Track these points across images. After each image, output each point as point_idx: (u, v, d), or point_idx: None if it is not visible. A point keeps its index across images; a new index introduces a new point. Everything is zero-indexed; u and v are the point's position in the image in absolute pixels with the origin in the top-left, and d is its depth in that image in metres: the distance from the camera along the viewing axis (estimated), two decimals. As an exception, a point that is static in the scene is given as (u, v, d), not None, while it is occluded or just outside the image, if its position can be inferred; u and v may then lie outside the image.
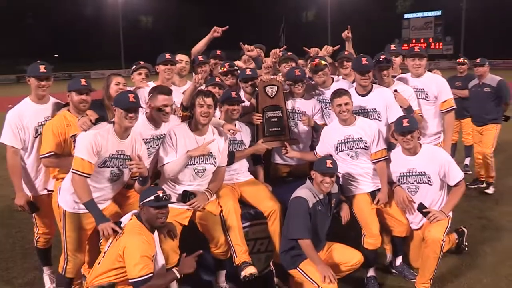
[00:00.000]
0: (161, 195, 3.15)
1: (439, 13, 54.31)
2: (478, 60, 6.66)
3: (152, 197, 3.14)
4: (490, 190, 6.66)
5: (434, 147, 4.25)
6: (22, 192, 3.85)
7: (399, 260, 4.28)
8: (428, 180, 3.92)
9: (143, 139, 3.62)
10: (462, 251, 4.63)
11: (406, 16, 57.86)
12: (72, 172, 3.27)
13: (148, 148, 3.69)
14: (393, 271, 4.31)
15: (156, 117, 3.69)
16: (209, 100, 3.61)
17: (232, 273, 3.89)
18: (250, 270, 3.57)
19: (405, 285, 4.08)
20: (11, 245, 5.22)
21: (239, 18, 64.30)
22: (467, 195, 6.37)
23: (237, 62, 5.20)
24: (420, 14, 55.78)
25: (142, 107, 3.58)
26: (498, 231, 5.27)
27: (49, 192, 3.89)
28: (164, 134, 3.77)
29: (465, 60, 7.48)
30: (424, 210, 3.86)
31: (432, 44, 54.23)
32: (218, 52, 5.44)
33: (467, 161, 7.73)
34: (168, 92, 3.69)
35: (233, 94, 4.05)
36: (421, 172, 3.91)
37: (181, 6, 72.78)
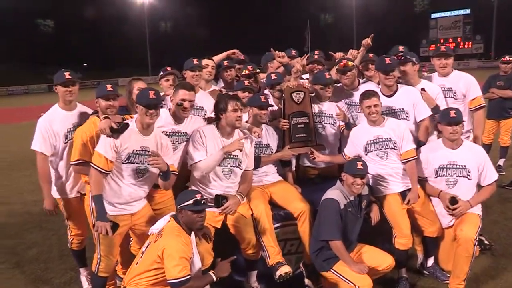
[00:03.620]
0: (199, 199, 3.21)
1: (468, 11, 53.13)
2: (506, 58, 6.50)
3: (191, 201, 3.19)
4: None
5: (474, 144, 4.18)
6: (51, 198, 4.03)
7: (430, 261, 4.24)
8: (467, 174, 3.87)
9: (163, 132, 3.71)
10: (491, 247, 4.62)
11: (433, 16, 56.80)
12: (90, 165, 3.38)
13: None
14: (425, 272, 4.26)
15: (177, 111, 3.80)
16: (241, 105, 3.71)
17: (263, 274, 3.95)
18: (285, 269, 3.61)
19: (437, 287, 4.04)
20: (48, 247, 5.41)
21: (263, 25, 64.80)
22: (505, 198, 6.26)
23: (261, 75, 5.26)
24: (448, 13, 54.69)
25: (163, 104, 3.65)
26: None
27: (81, 195, 4.00)
28: (186, 132, 3.87)
29: (510, 59, 7.24)
30: (454, 206, 3.81)
31: (461, 43, 53.05)
32: (242, 56, 5.57)
33: (501, 162, 7.56)
34: (190, 88, 3.80)
35: (262, 98, 4.10)
36: (462, 166, 3.86)
37: (206, 11, 73.71)
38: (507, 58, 7.29)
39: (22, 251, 5.32)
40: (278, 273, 3.60)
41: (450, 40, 51.96)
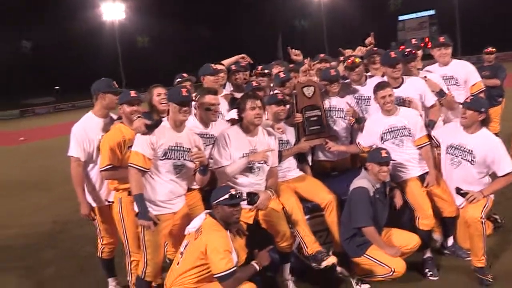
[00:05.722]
0: (234, 193, 3.32)
1: (432, 12, 54.94)
2: None
3: (226, 196, 3.30)
4: None
5: (493, 135, 4.26)
6: (85, 202, 4.04)
7: (450, 241, 4.43)
8: (471, 159, 4.02)
9: None
10: (503, 225, 4.85)
11: (400, 18, 58.52)
12: (128, 165, 3.44)
13: None
14: (446, 252, 4.45)
15: (204, 116, 3.92)
16: (259, 102, 3.82)
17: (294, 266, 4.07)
18: (332, 259, 3.73)
19: (460, 264, 4.22)
20: (67, 264, 5.35)
21: (238, 36, 65.29)
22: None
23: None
24: (414, 15, 56.47)
25: (195, 101, 3.78)
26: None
27: (110, 203, 4.02)
28: (213, 134, 3.98)
29: (493, 50, 7.60)
30: (462, 192, 4.00)
31: (429, 43, 54.63)
32: (251, 61, 5.74)
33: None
34: (215, 92, 3.94)
35: (280, 96, 4.25)
36: (469, 150, 4.03)
37: (181, 26, 73.82)
38: (489, 49, 7.67)
39: (41, 270, 5.26)
40: (324, 263, 3.71)
41: (416, 41, 53.48)
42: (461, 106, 4.27)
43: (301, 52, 5.68)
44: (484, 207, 3.94)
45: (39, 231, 6.73)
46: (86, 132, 3.96)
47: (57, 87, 68.31)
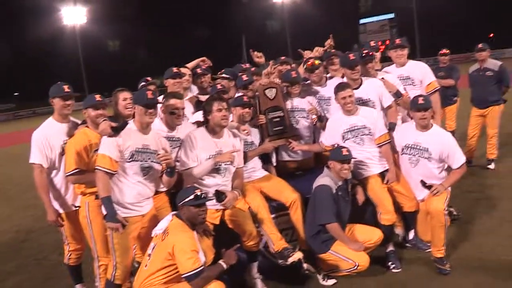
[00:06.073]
0: (199, 194, 3.37)
1: (392, 15, 56.66)
2: (480, 45, 7.00)
3: (191, 197, 3.35)
4: (492, 166, 7.11)
5: (444, 130, 4.52)
6: (52, 208, 3.98)
7: (411, 234, 4.62)
8: (428, 157, 4.23)
9: None
10: (459, 218, 5.11)
11: (361, 21, 60.01)
12: (95, 168, 3.44)
13: None
14: (407, 245, 4.64)
15: (169, 120, 3.97)
16: (225, 104, 3.89)
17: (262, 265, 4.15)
18: (298, 255, 3.82)
19: (421, 255, 4.41)
20: (29, 274, 5.21)
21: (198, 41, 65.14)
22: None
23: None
24: (375, 18, 58.05)
25: (160, 103, 3.82)
26: (488, 199, 5.77)
27: (77, 208, 3.99)
28: (179, 137, 4.02)
29: (447, 51, 7.98)
30: (427, 185, 4.21)
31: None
32: (211, 64, 5.80)
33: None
34: (180, 96, 4.00)
35: (245, 98, 4.34)
36: (425, 148, 4.23)
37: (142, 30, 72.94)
38: (444, 51, 8.06)
39: (3, 281, 5.09)
40: (291, 259, 3.79)
41: (380, 43, 55.00)
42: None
43: (264, 55, 5.79)
44: (446, 199, 4.15)
45: (1, 242, 6.52)
46: (47, 138, 3.91)
47: (16, 94, 66.08)
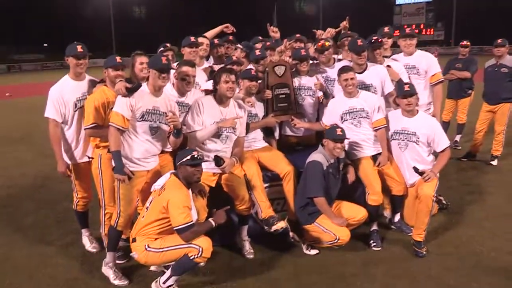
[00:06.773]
0: (196, 155, 3.68)
1: (430, -1, 55.00)
2: (499, 41, 6.99)
3: (188, 157, 3.66)
4: (495, 162, 7.20)
5: (429, 115, 4.79)
6: (62, 160, 4.32)
7: (397, 217, 4.86)
8: (416, 140, 4.44)
9: None
10: (447, 207, 5.31)
11: (398, 2, 58.37)
12: (109, 124, 3.74)
13: None
14: (392, 227, 4.89)
15: (180, 86, 4.24)
16: (233, 77, 4.14)
17: (252, 229, 4.48)
18: (281, 224, 4.11)
19: (403, 238, 4.65)
20: (44, 216, 5.69)
21: (234, 13, 64.44)
22: (461, 168, 7.06)
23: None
24: (411, 0, 56.35)
25: (174, 69, 4.07)
26: (481, 194, 5.91)
27: (90, 159, 4.31)
28: (188, 103, 4.29)
29: (468, 43, 7.93)
30: (420, 171, 4.41)
31: (424, 30, 54.85)
32: (230, 37, 6.00)
33: (457, 137, 8.37)
34: (192, 65, 4.26)
35: (253, 71, 4.58)
36: (412, 132, 4.44)
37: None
38: (465, 42, 8.00)
39: (20, 218, 5.60)
40: (274, 227, 4.09)
41: (414, 26, 53.57)
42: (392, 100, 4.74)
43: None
44: (436, 186, 4.35)
45: (22, 184, 7.07)
46: (62, 94, 4.17)
47: (45, 45, 67.20)
